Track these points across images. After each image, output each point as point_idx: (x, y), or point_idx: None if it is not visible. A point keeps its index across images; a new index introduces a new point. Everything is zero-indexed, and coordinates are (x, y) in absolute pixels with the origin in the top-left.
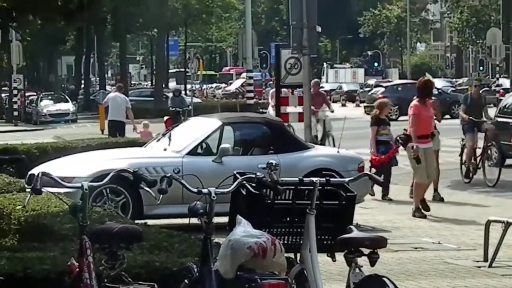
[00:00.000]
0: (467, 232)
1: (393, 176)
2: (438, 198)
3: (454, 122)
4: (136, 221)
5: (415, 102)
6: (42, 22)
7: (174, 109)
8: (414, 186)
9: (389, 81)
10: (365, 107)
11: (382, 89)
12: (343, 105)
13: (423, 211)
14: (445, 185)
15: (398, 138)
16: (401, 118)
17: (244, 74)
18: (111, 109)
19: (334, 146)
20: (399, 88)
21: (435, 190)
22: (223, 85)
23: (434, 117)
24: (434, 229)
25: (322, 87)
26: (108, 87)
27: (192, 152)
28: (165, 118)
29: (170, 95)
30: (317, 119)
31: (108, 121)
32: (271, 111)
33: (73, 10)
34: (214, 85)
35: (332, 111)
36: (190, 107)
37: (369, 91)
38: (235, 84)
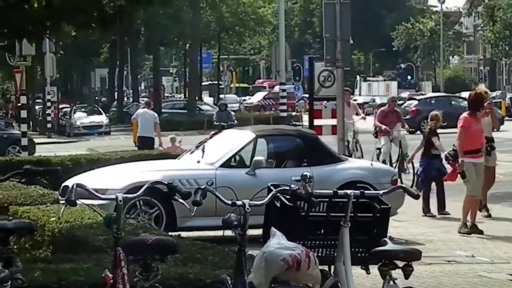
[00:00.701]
0: (500, 245)
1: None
2: (486, 214)
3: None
4: (170, 233)
5: (465, 114)
6: (76, 30)
7: (219, 123)
8: (464, 200)
9: (422, 94)
10: None
11: (416, 102)
12: None
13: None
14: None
15: (447, 155)
16: None
17: (276, 87)
18: (140, 125)
19: (414, 171)
20: (433, 101)
21: (484, 206)
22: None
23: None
24: (467, 242)
25: (396, 103)
26: (141, 100)
27: (226, 165)
28: (211, 133)
29: (216, 109)
30: (391, 138)
31: (137, 137)
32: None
33: (107, 18)
34: (247, 97)
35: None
36: (235, 121)
37: (402, 104)
38: (257, 97)
